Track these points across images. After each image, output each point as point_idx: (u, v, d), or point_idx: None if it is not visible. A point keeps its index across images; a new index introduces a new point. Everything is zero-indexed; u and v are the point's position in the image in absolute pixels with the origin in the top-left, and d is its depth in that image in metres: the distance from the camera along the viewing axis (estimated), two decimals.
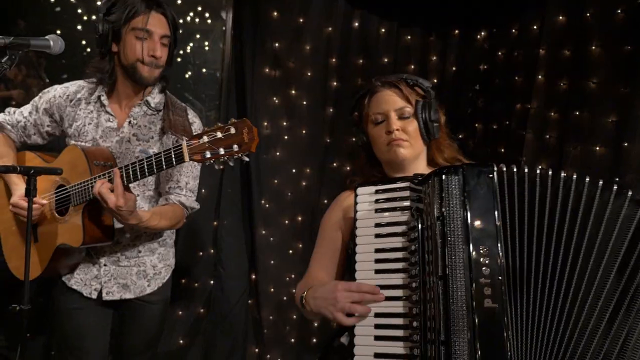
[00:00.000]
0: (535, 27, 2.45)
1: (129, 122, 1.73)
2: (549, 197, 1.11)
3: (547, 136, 2.37)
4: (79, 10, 2.60)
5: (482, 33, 2.80)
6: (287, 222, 2.86)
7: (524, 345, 1.07)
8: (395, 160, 1.39)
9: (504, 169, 1.13)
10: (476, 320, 1.04)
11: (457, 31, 2.82)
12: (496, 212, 1.10)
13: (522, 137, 2.44)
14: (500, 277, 1.06)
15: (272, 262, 2.84)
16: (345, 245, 1.44)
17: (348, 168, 2.84)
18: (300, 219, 2.87)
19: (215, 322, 2.80)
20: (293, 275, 2.88)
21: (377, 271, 1.19)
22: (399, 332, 1.14)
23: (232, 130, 1.34)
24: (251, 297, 2.87)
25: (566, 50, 2.33)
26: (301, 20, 2.73)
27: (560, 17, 2.34)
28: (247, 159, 1.39)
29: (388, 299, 1.16)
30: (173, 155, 1.43)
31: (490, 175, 1.12)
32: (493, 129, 2.71)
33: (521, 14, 2.52)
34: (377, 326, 1.16)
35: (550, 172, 1.12)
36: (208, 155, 1.36)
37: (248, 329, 2.88)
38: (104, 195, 1.48)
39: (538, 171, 1.12)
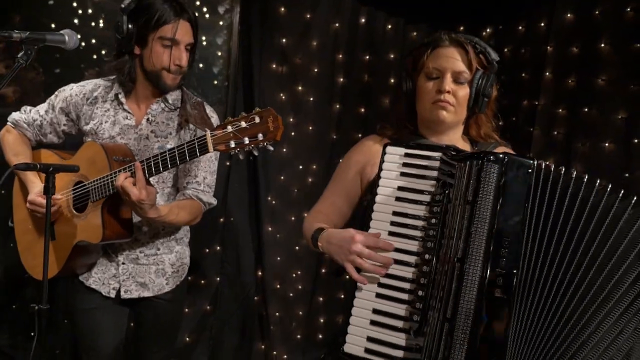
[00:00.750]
0: (542, 24, 2.47)
1: (147, 120, 1.72)
2: (578, 204, 1.12)
3: (555, 132, 2.39)
4: (74, 4, 2.57)
5: (488, 30, 2.82)
6: (293, 218, 2.86)
7: (524, 340, 1.10)
8: (435, 121, 1.37)
9: (543, 166, 1.13)
10: (483, 307, 1.06)
11: (462, 28, 2.83)
12: (526, 208, 1.10)
13: (529, 134, 2.46)
14: (515, 271, 1.08)
15: (278, 258, 2.85)
16: (362, 192, 1.43)
17: None
18: (306, 215, 2.87)
19: (222, 319, 2.81)
20: (299, 272, 2.89)
21: (391, 233, 1.20)
22: (403, 295, 1.16)
23: (257, 120, 1.34)
24: (257, 293, 2.87)
25: (574, 48, 2.34)
26: (308, 16, 2.73)
27: (569, 15, 2.35)
28: (271, 148, 1.38)
29: (397, 262, 1.18)
30: (197, 146, 1.42)
31: (530, 170, 1.12)
32: (499, 125, 2.72)
33: (528, 12, 2.53)
34: (381, 285, 1.18)
35: (585, 178, 1.13)
36: (232, 144, 1.36)
37: (254, 325, 2.89)
38: (127, 188, 1.47)
39: (573, 175, 1.13)
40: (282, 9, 2.69)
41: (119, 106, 1.73)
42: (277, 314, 2.86)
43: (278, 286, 2.86)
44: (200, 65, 2.72)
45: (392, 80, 2.85)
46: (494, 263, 1.07)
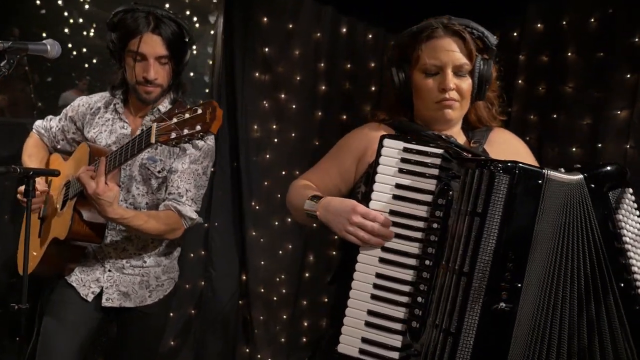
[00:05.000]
0: (515, 33, 2.55)
1: (141, 130, 1.77)
2: (585, 217, 1.09)
3: (527, 138, 2.47)
4: (65, 13, 2.62)
5: None
6: (277, 223, 2.90)
7: (525, 350, 1.07)
8: (440, 120, 1.29)
9: (553, 176, 1.07)
10: (488, 322, 1.03)
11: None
12: (534, 221, 1.05)
13: None
14: (519, 285, 1.04)
15: (262, 262, 2.88)
16: (357, 179, 1.35)
17: None
18: (289, 220, 2.92)
19: (206, 322, 2.83)
20: (283, 276, 2.93)
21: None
22: (401, 298, 1.12)
23: (199, 111, 1.33)
24: (242, 297, 2.90)
25: (544, 57, 2.43)
26: (290, 25, 2.79)
27: (539, 25, 2.45)
28: (210, 142, 1.39)
29: (394, 263, 1.13)
30: (143, 138, 1.43)
31: (540, 182, 1.06)
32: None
33: (501, 22, 2.62)
34: (377, 286, 1.14)
35: (592, 187, 1.09)
36: (173, 136, 1.35)
37: (239, 329, 2.91)
38: (83, 179, 1.50)
39: (587, 190, 1.08)
40: (265, 19, 2.75)
41: (117, 116, 1.80)
42: (261, 317, 2.90)
43: (262, 290, 2.89)
44: (191, 74, 2.78)
45: (373, 88, 2.92)
46: (500, 277, 1.03)
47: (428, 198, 1.12)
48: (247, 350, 2.92)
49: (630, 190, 1.14)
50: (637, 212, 1.15)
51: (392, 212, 1.14)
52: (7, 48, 1.46)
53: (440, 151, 1.13)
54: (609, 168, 1.13)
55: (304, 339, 2.99)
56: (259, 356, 2.90)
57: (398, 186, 1.14)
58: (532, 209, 1.05)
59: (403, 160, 1.14)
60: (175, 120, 1.35)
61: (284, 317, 2.95)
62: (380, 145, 1.16)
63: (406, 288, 1.12)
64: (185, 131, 1.34)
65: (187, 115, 1.34)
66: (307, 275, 2.97)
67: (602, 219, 1.11)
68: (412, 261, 1.13)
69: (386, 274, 1.14)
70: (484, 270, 1.03)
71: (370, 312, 1.13)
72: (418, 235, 1.13)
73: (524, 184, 1.04)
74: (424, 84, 1.27)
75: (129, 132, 1.77)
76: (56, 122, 1.92)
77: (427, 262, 1.11)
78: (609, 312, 1.09)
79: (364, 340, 1.13)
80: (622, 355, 1.10)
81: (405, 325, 1.12)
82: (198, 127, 1.32)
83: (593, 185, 1.10)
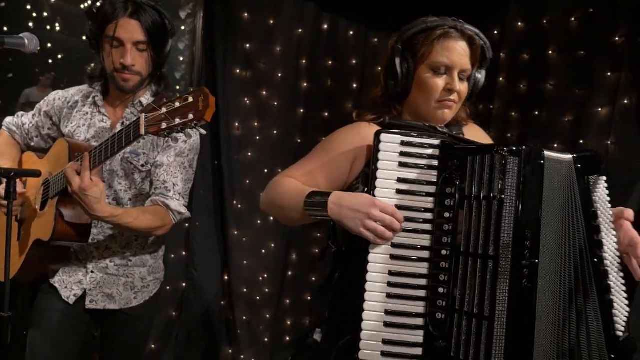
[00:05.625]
0: (496, 32, 2.60)
1: (122, 123, 1.71)
2: (573, 193, 1.16)
3: (509, 135, 2.52)
4: (28, 7, 2.52)
5: None
6: (259, 222, 2.88)
7: (547, 324, 1.12)
8: (436, 119, 1.30)
9: (551, 156, 1.13)
10: (517, 301, 1.05)
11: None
12: (542, 197, 1.09)
13: None
14: (536, 261, 1.07)
15: (245, 262, 2.85)
16: (350, 181, 1.33)
17: None
18: (272, 218, 2.90)
19: (188, 324, 2.79)
20: (266, 275, 2.91)
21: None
22: (419, 293, 1.12)
23: (190, 99, 1.26)
24: (224, 298, 2.87)
25: (525, 55, 2.48)
26: (272, 21, 2.77)
27: (520, 23, 2.49)
28: (203, 131, 1.32)
29: (407, 259, 1.13)
30: (132, 130, 1.37)
31: (542, 161, 1.10)
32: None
33: (483, 20, 2.65)
34: (392, 284, 1.13)
35: (578, 167, 1.16)
36: (164, 126, 1.29)
37: (221, 330, 2.88)
38: (68, 176, 1.43)
39: (574, 169, 1.15)
40: (246, 15, 2.72)
41: (96, 109, 1.72)
42: (244, 317, 2.87)
43: (245, 290, 2.87)
44: (163, 70, 2.71)
45: (355, 85, 2.92)
46: (521, 256, 1.06)
47: (432, 189, 1.13)
48: (230, 351, 2.89)
49: (605, 178, 1.22)
50: (609, 199, 1.23)
51: (398, 207, 1.13)
52: None
53: (437, 142, 1.14)
54: (589, 154, 1.23)
55: (288, 338, 2.98)
56: (242, 357, 2.87)
57: (400, 180, 1.14)
58: (538, 187, 1.10)
59: (402, 154, 1.14)
60: (165, 109, 1.29)
61: (267, 316, 2.93)
62: (378, 141, 1.15)
63: (423, 282, 1.13)
64: (177, 120, 1.27)
65: (177, 104, 1.27)
66: (290, 274, 2.96)
67: (584, 197, 1.19)
68: (425, 254, 1.13)
69: (400, 271, 1.13)
70: (507, 250, 1.06)
71: (388, 312, 1.12)
72: (427, 227, 1.13)
73: (531, 164, 1.09)
74: (432, 81, 1.28)
75: (108, 126, 1.70)
76: (29, 118, 1.82)
77: (443, 252, 1.11)
78: (588, 285, 1.17)
79: (385, 341, 1.11)
80: (593, 328, 1.17)
81: (425, 320, 1.12)
82: (191, 116, 1.25)
83: (579, 166, 1.18)
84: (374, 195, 1.15)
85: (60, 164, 1.57)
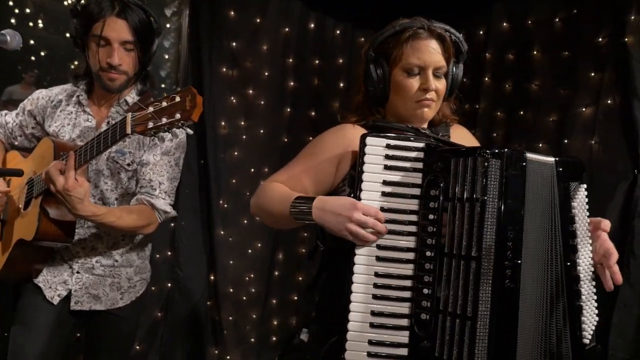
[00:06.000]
0: (481, 32, 2.61)
1: (107, 123, 1.69)
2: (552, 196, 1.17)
3: (495, 134, 2.53)
4: (10, 3, 2.47)
5: None
6: (245, 221, 2.87)
7: (531, 325, 1.12)
8: (417, 119, 1.31)
9: (533, 158, 1.14)
10: (500, 301, 1.07)
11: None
12: (524, 198, 1.11)
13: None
14: (519, 262, 1.09)
15: (231, 262, 2.84)
16: (336, 184, 1.34)
17: None
18: (258, 218, 2.88)
19: (174, 325, 2.76)
20: (252, 275, 2.89)
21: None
22: (404, 294, 1.14)
23: (177, 99, 1.27)
24: (210, 298, 2.85)
25: (510, 55, 2.50)
26: (258, 20, 2.76)
27: (505, 24, 2.51)
28: (190, 131, 1.32)
29: (393, 260, 1.14)
30: (118, 129, 1.36)
31: (524, 163, 1.12)
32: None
33: (468, 20, 2.68)
34: (378, 286, 1.14)
35: (560, 170, 1.18)
36: (151, 125, 1.29)
37: (207, 330, 2.85)
38: (52, 175, 1.41)
39: (555, 172, 1.17)
40: (232, 13, 2.70)
41: (80, 108, 1.70)
42: (230, 317, 2.85)
43: (231, 290, 2.85)
44: (147, 68, 2.69)
45: (342, 85, 2.93)
46: (504, 257, 1.08)
47: (417, 191, 1.15)
48: (216, 352, 2.87)
49: (585, 186, 1.23)
50: (587, 207, 1.23)
51: (383, 209, 1.15)
52: None
53: (422, 145, 1.16)
54: (571, 159, 1.24)
55: (274, 338, 2.97)
56: (228, 357, 2.86)
57: (385, 183, 1.16)
58: (520, 188, 1.12)
59: (387, 156, 1.16)
60: (152, 109, 1.29)
61: (254, 316, 2.92)
62: (363, 144, 1.17)
63: (408, 283, 1.14)
64: (164, 120, 1.27)
65: (165, 104, 1.28)
66: (276, 273, 2.95)
67: (563, 201, 1.19)
68: (410, 255, 1.14)
69: (385, 272, 1.14)
70: (490, 252, 1.08)
71: (374, 313, 1.13)
72: (413, 229, 1.14)
73: (513, 165, 1.11)
74: (406, 83, 1.29)
75: (93, 125, 1.69)
76: (12, 117, 1.80)
77: (428, 253, 1.13)
78: (560, 288, 1.18)
79: (371, 342, 1.12)
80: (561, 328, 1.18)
81: (411, 320, 1.13)
82: (178, 115, 1.26)
83: (560, 169, 1.19)
84: (359, 198, 1.16)
85: (44, 163, 1.55)
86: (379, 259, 1.14)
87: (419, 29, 1.28)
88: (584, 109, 2.21)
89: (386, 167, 1.16)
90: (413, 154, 1.16)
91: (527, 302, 1.12)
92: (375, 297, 1.13)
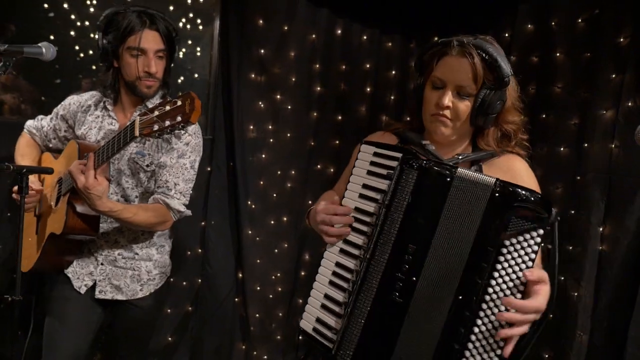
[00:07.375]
0: (507, 34, 2.57)
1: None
2: (471, 218, 1.11)
3: None
4: (72, 17, 2.68)
5: None
6: (272, 222, 2.95)
7: (410, 342, 1.15)
8: (434, 133, 1.32)
9: (462, 174, 1.12)
10: (377, 304, 1.17)
11: (436, 38, 2.93)
12: (440, 216, 1.12)
13: None
14: (414, 279, 1.13)
15: (258, 261, 2.93)
16: None
17: (332, 170, 2.95)
18: (285, 219, 2.97)
19: (203, 319, 2.89)
20: (279, 274, 2.97)
21: (352, 228, 1.28)
22: (344, 284, 1.27)
23: (179, 103, 1.38)
24: (238, 295, 2.95)
25: (534, 57, 2.44)
26: (286, 27, 2.84)
27: (529, 26, 2.46)
28: (190, 132, 1.43)
29: (345, 253, 1.27)
30: (128, 131, 1.48)
31: (448, 179, 1.13)
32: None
33: (494, 22, 2.64)
34: (333, 273, 1.29)
35: (496, 196, 1.09)
36: (155, 128, 1.40)
37: (235, 326, 2.96)
38: (74, 174, 1.56)
39: (489, 195, 1.08)
40: (260, 21, 2.80)
41: (106, 113, 1.86)
42: (257, 315, 2.94)
43: (258, 288, 2.94)
44: (185, 75, 2.83)
45: (368, 89, 2.95)
46: (397, 268, 1.15)
47: (378, 196, 1.24)
48: (244, 347, 2.97)
49: (540, 232, 1.05)
50: (528, 258, 1.06)
51: (356, 209, 1.28)
52: (3, 51, 1.53)
53: (398, 155, 1.22)
54: (526, 193, 1.08)
55: (300, 337, 3.01)
56: (255, 353, 2.95)
57: (364, 186, 1.27)
58: (438, 205, 1.14)
59: (371, 163, 1.27)
60: (157, 113, 1.41)
61: (280, 314, 2.99)
62: (358, 151, 1.29)
63: (349, 275, 1.26)
64: (167, 122, 1.39)
65: (167, 108, 1.39)
66: (302, 273, 3.01)
67: (485, 231, 1.09)
68: (356, 251, 1.26)
69: (341, 263, 1.28)
70: (382, 258, 1.18)
71: (326, 296, 1.28)
72: (365, 228, 1.26)
73: (431, 179, 1.15)
74: (429, 95, 1.32)
75: (116, 128, 1.83)
76: (47, 121, 1.98)
77: (362, 252, 1.25)
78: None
79: (318, 320, 1.29)
80: None
81: (344, 308, 1.25)
82: (178, 118, 1.37)
83: (497, 195, 1.09)
84: (344, 197, 1.29)
85: (71, 163, 1.71)
86: (341, 251, 1.29)
87: (452, 46, 1.26)
88: (604, 112, 2.13)
89: (368, 172, 1.27)
90: (391, 163, 1.23)
91: (419, 323, 1.14)
92: (330, 282, 1.28)
